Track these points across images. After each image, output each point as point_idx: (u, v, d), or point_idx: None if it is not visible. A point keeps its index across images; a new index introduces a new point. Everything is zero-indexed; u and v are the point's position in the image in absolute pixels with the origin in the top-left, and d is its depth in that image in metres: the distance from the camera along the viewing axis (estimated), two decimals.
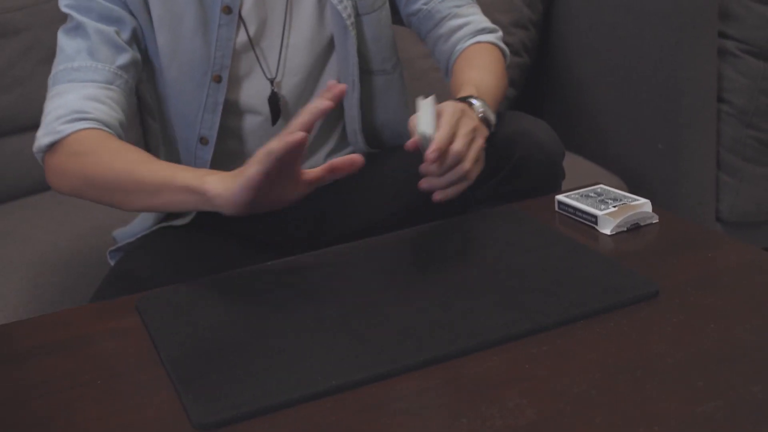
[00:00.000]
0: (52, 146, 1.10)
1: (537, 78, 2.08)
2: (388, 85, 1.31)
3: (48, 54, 1.72)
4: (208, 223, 1.28)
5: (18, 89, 1.72)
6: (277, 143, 0.88)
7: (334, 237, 1.24)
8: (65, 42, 1.15)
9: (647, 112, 1.83)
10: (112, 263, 1.28)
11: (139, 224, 1.30)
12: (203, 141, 1.22)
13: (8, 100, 1.72)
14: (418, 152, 1.30)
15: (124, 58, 1.14)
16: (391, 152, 1.33)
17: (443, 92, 1.81)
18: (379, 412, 0.74)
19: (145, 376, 0.81)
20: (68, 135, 1.09)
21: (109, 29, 1.14)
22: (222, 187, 0.95)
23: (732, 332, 0.81)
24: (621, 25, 1.84)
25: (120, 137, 1.11)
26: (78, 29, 1.14)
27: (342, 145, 1.32)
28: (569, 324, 0.84)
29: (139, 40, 1.18)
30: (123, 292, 1.01)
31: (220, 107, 1.20)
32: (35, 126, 1.72)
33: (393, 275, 0.97)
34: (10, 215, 1.66)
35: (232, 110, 1.22)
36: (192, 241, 1.23)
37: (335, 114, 1.29)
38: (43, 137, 1.11)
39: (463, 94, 1.12)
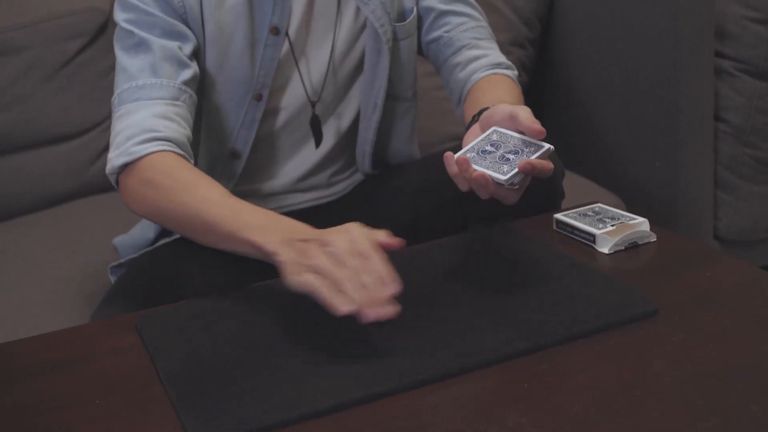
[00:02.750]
0: (125, 167, 1.08)
1: (535, 97, 2.08)
2: (406, 111, 1.31)
3: (48, 72, 1.74)
4: None
5: (18, 107, 1.73)
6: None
7: None
8: (127, 61, 1.12)
9: (645, 131, 1.83)
10: (113, 280, 1.29)
11: (141, 235, 1.30)
12: (235, 155, 1.22)
13: (8, 118, 1.72)
14: (420, 170, 1.30)
15: (186, 74, 1.12)
16: (392, 172, 1.33)
17: (452, 121, 1.81)
18: (378, 430, 0.74)
19: (145, 395, 0.81)
20: (141, 157, 1.06)
21: (173, 44, 1.11)
22: (288, 258, 0.89)
23: (731, 351, 0.82)
24: (618, 44, 1.85)
25: (188, 155, 1.10)
26: (140, 46, 1.11)
27: (346, 165, 1.32)
28: (568, 342, 0.84)
29: (199, 55, 1.17)
30: (123, 310, 1.01)
31: (257, 124, 1.20)
32: (35, 144, 1.75)
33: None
34: (9, 233, 1.66)
35: (267, 125, 1.23)
36: (192, 258, 1.24)
37: (348, 137, 1.29)
38: (116, 158, 1.07)
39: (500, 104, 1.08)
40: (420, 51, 1.32)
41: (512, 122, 1.00)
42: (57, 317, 1.33)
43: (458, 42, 1.27)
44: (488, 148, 0.99)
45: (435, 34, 1.28)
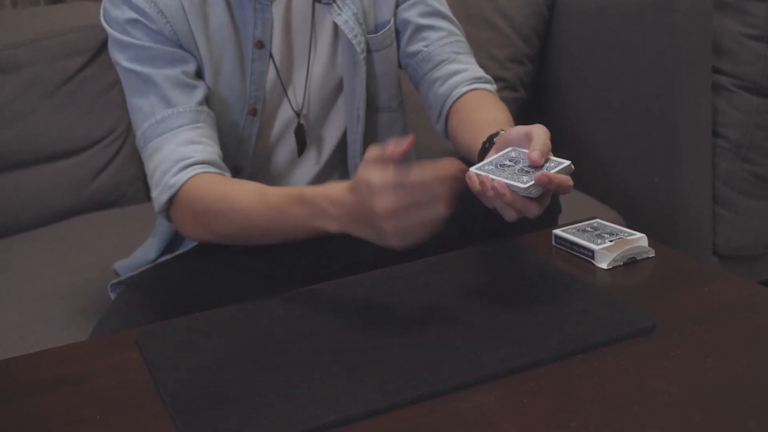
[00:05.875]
0: (171, 201, 1.11)
1: (533, 113, 2.09)
2: (392, 122, 1.32)
3: (49, 89, 1.75)
4: (208, 256, 1.29)
5: (19, 125, 1.73)
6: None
7: (333, 270, 1.24)
8: (139, 102, 1.14)
9: (643, 146, 1.84)
10: (113, 297, 1.29)
11: (141, 257, 1.30)
12: (236, 169, 1.24)
13: (9, 136, 1.73)
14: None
15: (198, 94, 1.15)
16: None
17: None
18: None
19: (145, 412, 0.81)
20: (181, 186, 1.09)
21: (176, 71, 1.14)
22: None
23: (729, 367, 0.82)
24: (617, 60, 1.86)
25: (223, 170, 1.13)
26: (147, 83, 1.13)
27: (343, 179, 1.33)
28: (567, 358, 0.84)
29: (200, 74, 1.18)
30: (123, 327, 1.01)
31: (254, 138, 1.22)
32: (35, 161, 1.76)
33: (391, 310, 0.97)
34: (10, 249, 1.66)
35: (263, 140, 1.25)
36: (192, 274, 1.24)
37: (339, 152, 1.30)
38: (160, 195, 1.11)
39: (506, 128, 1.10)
40: (398, 64, 1.33)
41: (527, 141, 1.02)
42: (57, 333, 1.33)
43: (438, 56, 1.27)
44: (507, 162, 1.00)
45: (413, 48, 1.29)
